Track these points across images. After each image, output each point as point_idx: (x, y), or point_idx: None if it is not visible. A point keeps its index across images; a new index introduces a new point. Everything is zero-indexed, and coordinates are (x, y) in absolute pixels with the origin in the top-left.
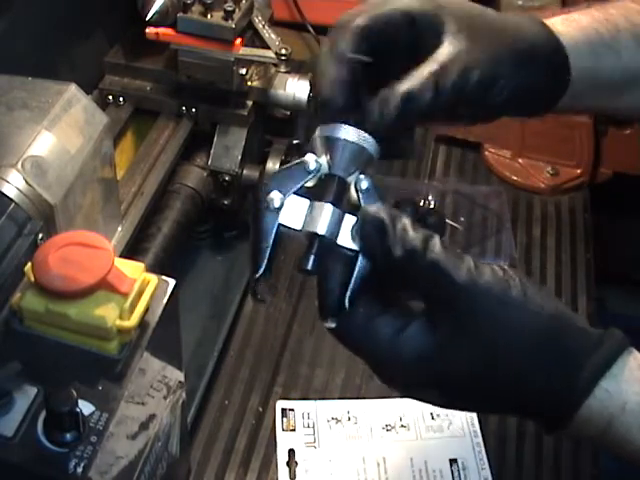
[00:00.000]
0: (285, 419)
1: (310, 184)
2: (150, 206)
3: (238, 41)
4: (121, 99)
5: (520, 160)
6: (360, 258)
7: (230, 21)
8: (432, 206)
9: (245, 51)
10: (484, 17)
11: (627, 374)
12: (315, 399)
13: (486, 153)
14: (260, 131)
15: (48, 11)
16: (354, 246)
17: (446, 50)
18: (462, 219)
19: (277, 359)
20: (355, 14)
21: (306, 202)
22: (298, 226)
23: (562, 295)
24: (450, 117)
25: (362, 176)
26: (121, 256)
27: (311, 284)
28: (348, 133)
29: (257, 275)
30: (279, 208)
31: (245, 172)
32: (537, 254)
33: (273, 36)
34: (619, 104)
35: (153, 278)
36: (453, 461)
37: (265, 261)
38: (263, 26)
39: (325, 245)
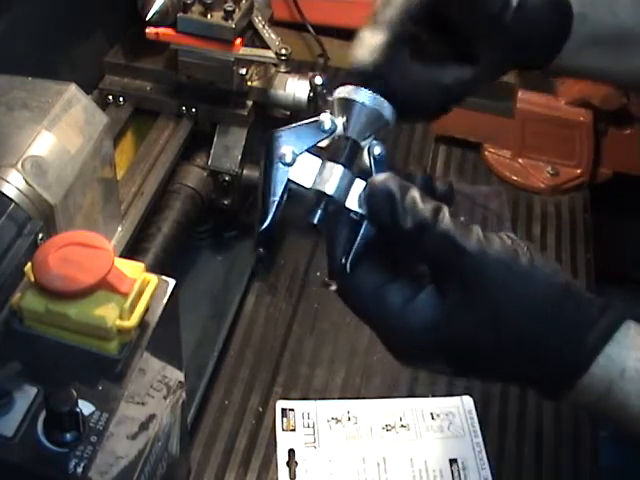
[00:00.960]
0: (285, 419)
1: (323, 144)
2: (150, 206)
3: (238, 41)
4: (121, 99)
5: (520, 160)
6: (365, 223)
7: (230, 21)
8: None
9: (245, 51)
10: None
11: (628, 340)
12: (315, 399)
13: (486, 153)
14: (260, 131)
15: (48, 11)
16: (361, 210)
17: None
18: (462, 219)
19: (277, 359)
20: None
21: (318, 161)
22: (308, 184)
23: None
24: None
25: (376, 141)
26: (121, 256)
27: (311, 284)
28: (366, 97)
29: (262, 228)
30: (290, 164)
31: (245, 172)
32: None
33: (273, 36)
34: (618, 66)
35: (153, 278)
36: (453, 461)
37: (271, 215)
38: (263, 26)
39: (332, 205)
